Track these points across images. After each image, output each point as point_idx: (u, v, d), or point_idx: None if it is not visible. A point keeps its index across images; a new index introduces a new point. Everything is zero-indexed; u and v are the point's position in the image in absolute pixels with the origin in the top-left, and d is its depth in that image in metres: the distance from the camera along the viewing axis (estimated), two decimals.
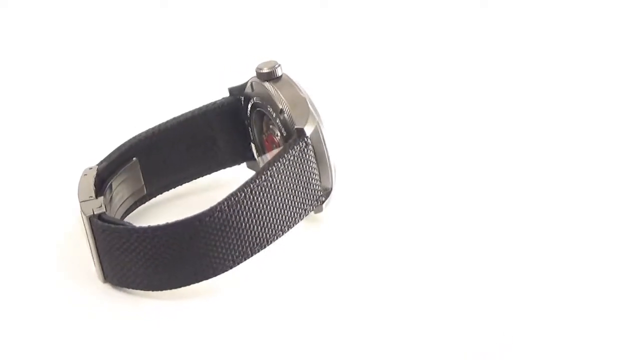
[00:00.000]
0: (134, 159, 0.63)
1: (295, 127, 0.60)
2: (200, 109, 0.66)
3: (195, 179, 0.66)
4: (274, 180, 0.58)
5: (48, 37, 0.88)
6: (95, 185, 0.60)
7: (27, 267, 0.61)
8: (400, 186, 0.67)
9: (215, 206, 0.57)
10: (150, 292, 0.58)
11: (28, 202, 0.67)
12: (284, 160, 0.59)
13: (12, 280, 0.60)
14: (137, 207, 0.64)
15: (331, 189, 0.62)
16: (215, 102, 0.66)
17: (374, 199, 0.65)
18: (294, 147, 0.59)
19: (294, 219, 0.60)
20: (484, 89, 0.79)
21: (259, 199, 0.58)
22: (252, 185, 0.58)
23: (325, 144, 0.61)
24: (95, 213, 0.57)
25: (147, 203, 0.65)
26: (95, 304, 0.57)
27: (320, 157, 0.61)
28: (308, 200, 0.60)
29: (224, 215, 0.57)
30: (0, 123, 0.77)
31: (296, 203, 0.60)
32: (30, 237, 0.63)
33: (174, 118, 0.65)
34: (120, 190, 0.63)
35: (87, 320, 0.56)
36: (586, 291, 0.56)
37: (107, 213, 0.59)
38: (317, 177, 0.61)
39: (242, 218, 0.57)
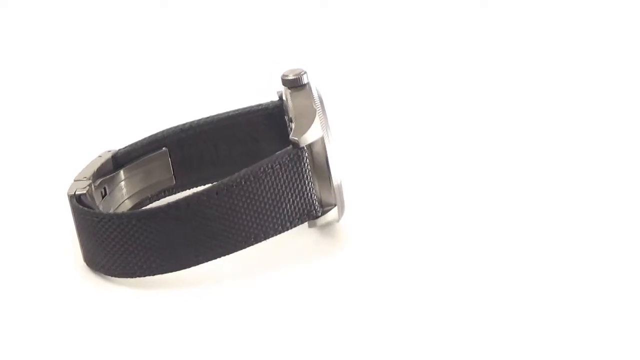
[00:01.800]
0: (164, 148, 0.65)
1: (290, 137, 0.59)
2: (244, 108, 0.66)
3: None
4: (250, 186, 0.58)
5: (85, 34, 0.92)
6: (100, 167, 0.62)
7: (23, 241, 0.64)
8: (417, 206, 0.65)
9: (173, 203, 0.57)
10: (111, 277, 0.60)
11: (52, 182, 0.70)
12: (266, 169, 0.58)
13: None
14: (164, 196, 0.66)
15: (334, 204, 0.60)
16: (260, 104, 0.66)
17: (387, 214, 0.64)
18: (281, 158, 0.58)
19: (272, 228, 0.59)
20: (497, 96, 0.78)
21: (229, 202, 0.57)
22: (220, 186, 0.57)
23: (327, 159, 0.59)
24: (76, 194, 0.60)
25: (177, 194, 0.66)
26: (62, 282, 0.60)
27: (321, 172, 0.59)
28: (295, 213, 0.59)
29: (181, 214, 0.57)
30: (41, 112, 0.83)
31: (276, 213, 0.58)
32: (39, 215, 0.67)
33: (216, 114, 0.66)
34: (138, 177, 0.65)
35: (46, 295, 0.59)
36: (591, 293, 0.55)
37: (106, 197, 0.62)
38: (311, 191, 0.59)
39: (203, 218, 0.57)
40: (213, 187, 0.57)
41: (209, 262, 0.59)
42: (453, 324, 0.54)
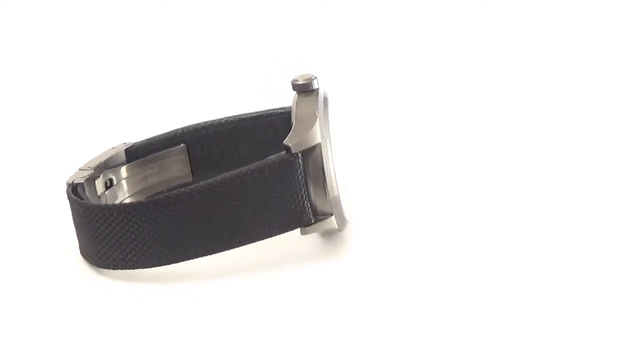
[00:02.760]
0: (182, 144, 0.65)
1: (284, 141, 0.58)
2: (266, 111, 0.66)
3: None
4: (235, 188, 0.57)
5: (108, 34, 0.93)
6: (109, 158, 0.63)
7: (27, 233, 0.66)
8: (420, 212, 0.64)
9: (155, 199, 0.57)
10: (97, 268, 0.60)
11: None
12: (254, 172, 0.57)
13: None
14: None
15: (331, 213, 0.59)
16: (283, 107, 0.65)
17: (390, 219, 0.63)
18: (271, 162, 0.57)
19: (258, 232, 0.58)
20: (500, 99, 0.77)
21: (212, 202, 0.57)
22: (204, 186, 0.57)
23: (323, 167, 0.58)
24: (73, 183, 0.61)
25: None
26: (54, 272, 0.61)
27: (316, 179, 0.58)
28: (283, 219, 0.58)
29: (162, 210, 0.57)
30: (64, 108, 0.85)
31: (263, 218, 0.57)
32: (48, 207, 0.68)
33: (237, 115, 0.66)
34: (152, 171, 0.65)
35: (36, 283, 0.60)
36: (591, 293, 0.54)
37: (112, 188, 0.63)
38: (303, 198, 0.58)
39: (186, 217, 0.57)
40: (197, 186, 0.57)
41: (203, 261, 0.58)
42: (454, 329, 0.52)
